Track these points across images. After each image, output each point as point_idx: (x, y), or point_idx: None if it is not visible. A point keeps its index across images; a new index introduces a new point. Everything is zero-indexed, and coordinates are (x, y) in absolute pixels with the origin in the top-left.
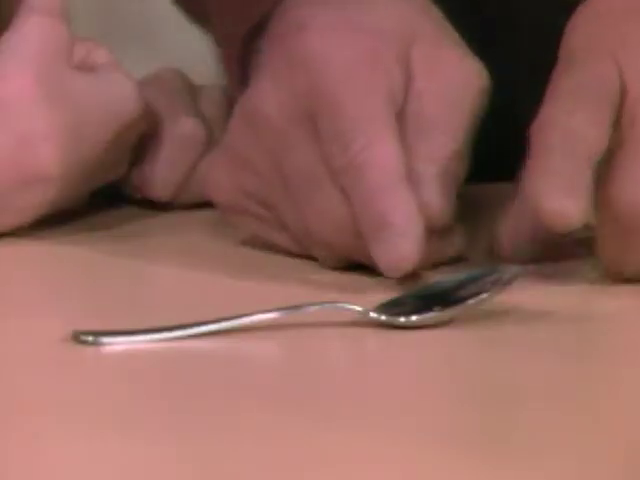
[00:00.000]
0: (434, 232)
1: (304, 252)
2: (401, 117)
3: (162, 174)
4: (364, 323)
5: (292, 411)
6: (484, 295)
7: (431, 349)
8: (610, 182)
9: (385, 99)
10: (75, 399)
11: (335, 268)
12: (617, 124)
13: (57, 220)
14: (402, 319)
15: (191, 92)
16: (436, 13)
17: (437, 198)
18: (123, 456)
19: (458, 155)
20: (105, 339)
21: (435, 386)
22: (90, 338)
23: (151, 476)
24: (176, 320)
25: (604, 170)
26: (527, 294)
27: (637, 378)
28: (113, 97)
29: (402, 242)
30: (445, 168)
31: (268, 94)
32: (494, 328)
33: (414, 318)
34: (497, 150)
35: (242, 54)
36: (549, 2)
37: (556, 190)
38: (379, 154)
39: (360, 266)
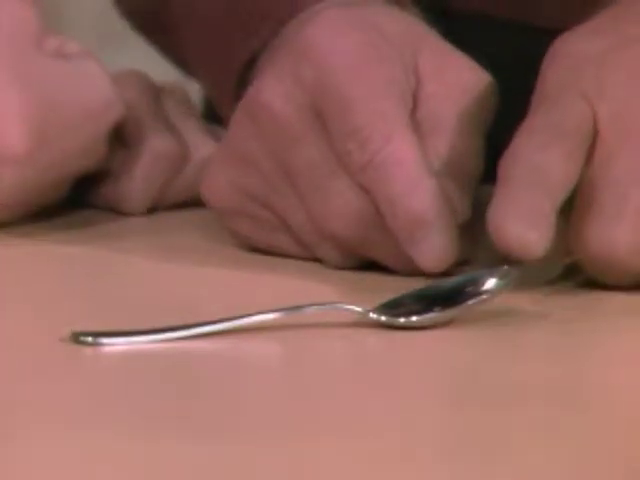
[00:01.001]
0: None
1: (305, 254)
2: (412, 121)
3: (135, 190)
4: (364, 324)
5: (292, 411)
6: (484, 296)
7: (431, 350)
8: (582, 223)
9: (396, 95)
10: (74, 400)
11: (341, 268)
12: (589, 163)
13: (55, 221)
14: (402, 320)
15: (156, 95)
16: (436, 33)
17: (458, 194)
18: (122, 457)
19: (473, 153)
20: (104, 340)
21: (435, 387)
22: (89, 339)
23: (151, 476)
24: (175, 321)
25: (576, 211)
26: (526, 294)
27: (636, 378)
28: (85, 83)
29: (439, 239)
30: (461, 166)
31: (272, 87)
32: (494, 328)
33: (414, 319)
34: (493, 151)
35: (236, 93)
36: (525, 33)
37: (517, 220)
38: (400, 150)
39: (360, 267)
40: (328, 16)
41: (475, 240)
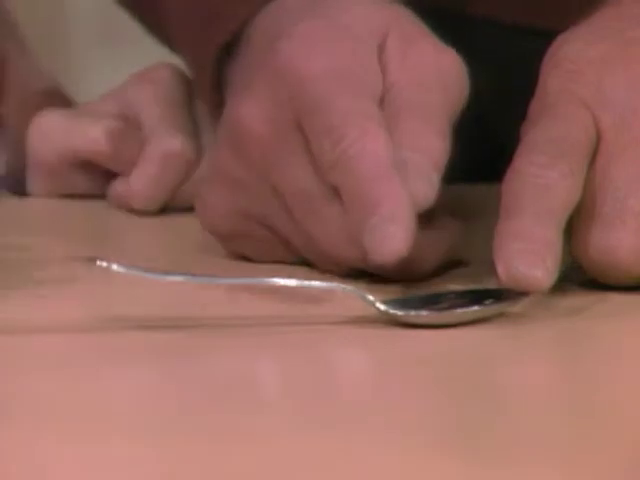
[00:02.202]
0: (426, 225)
1: (311, 263)
2: (380, 109)
3: (147, 190)
4: (367, 320)
5: (294, 410)
6: (495, 305)
7: (433, 348)
8: (583, 228)
9: (369, 95)
10: (73, 400)
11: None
12: (590, 168)
13: (54, 221)
14: (412, 313)
15: (186, 92)
16: (408, 13)
17: (420, 184)
18: (122, 457)
19: (436, 139)
20: (117, 267)
21: (436, 386)
22: (104, 264)
23: (151, 477)
24: (175, 320)
25: (577, 215)
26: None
27: (637, 378)
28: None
29: (392, 228)
30: (423, 152)
31: (251, 111)
32: (492, 328)
33: (413, 313)
34: (497, 151)
35: (214, 78)
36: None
37: (521, 256)
38: (370, 146)
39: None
40: (297, 30)
41: (458, 234)
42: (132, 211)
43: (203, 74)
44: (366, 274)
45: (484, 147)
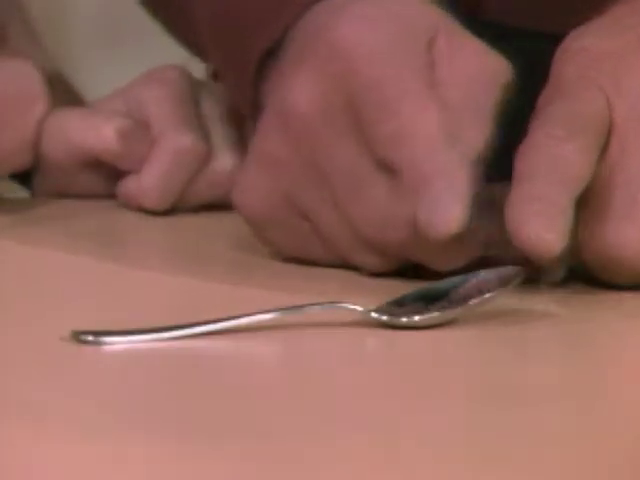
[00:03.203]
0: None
1: (338, 262)
2: None
3: (158, 187)
4: (365, 323)
5: (293, 412)
6: (486, 295)
7: (432, 350)
8: (592, 222)
9: (423, 74)
10: (75, 399)
11: (379, 273)
12: (602, 160)
13: (55, 222)
14: (404, 319)
15: (194, 93)
16: (452, 18)
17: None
18: (123, 456)
19: (479, 141)
20: (105, 339)
21: (436, 387)
22: (90, 338)
23: (151, 476)
24: (176, 321)
25: (586, 209)
26: (528, 294)
27: (637, 378)
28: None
29: (448, 200)
30: (471, 151)
31: (300, 89)
32: (495, 329)
33: (416, 318)
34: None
35: (254, 79)
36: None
37: (535, 218)
38: (425, 121)
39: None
40: (350, 12)
41: (481, 239)
42: (141, 210)
43: (243, 81)
44: (352, 280)
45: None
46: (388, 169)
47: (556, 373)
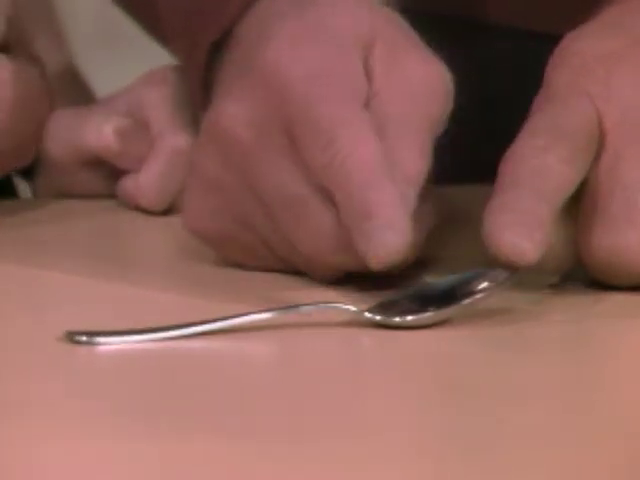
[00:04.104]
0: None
1: (293, 270)
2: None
3: (155, 186)
4: (359, 323)
5: (287, 411)
6: (479, 295)
7: (426, 349)
8: (589, 228)
9: (356, 99)
10: (69, 399)
11: (326, 282)
12: (596, 167)
13: (56, 222)
14: (397, 319)
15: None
16: (398, 18)
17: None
18: (118, 456)
19: (417, 156)
20: (99, 339)
21: (431, 386)
22: (84, 338)
23: (147, 476)
24: (171, 320)
25: (583, 215)
26: (523, 294)
27: (636, 378)
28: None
29: (388, 233)
30: (402, 169)
31: (234, 113)
32: (490, 328)
33: (409, 318)
34: (483, 150)
35: (203, 77)
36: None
37: (511, 227)
38: (362, 150)
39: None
40: (282, 31)
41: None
42: (140, 210)
43: (193, 72)
44: (345, 280)
45: (497, 152)
46: (327, 193)
47: (552, 373)
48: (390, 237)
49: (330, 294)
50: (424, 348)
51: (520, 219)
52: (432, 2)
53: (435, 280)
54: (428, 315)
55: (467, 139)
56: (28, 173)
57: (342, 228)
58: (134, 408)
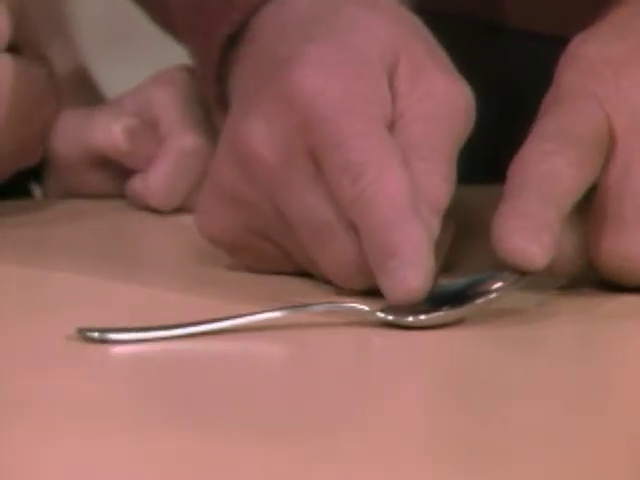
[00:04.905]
0: None
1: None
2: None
3: (165, 186)
4: (371, 323)
5: (299, 411)
6: (492, 295)
7: (439, 349)
8: (600, 233)
9: (382, 124)
10: (81, 398)
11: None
12: (605, 172)
13: (65, 222)
14: (410, 319)
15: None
16: (421, 30)
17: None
18: (130, 454)
19: (442, 183)
20: (111, 335)
21: (442, 386)
22: (96, 335)
23: (157, 476)
24: (181, 320)
25: (593, 221)
26: (534, 295)
27: (639, 379)
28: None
29: (410, 272)
30: (428, 199)
31: (259, 131)
32: (501, 329)
33: (422, 318)
34: (498, 152)
35: (217, 71)
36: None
37: (520, 231)
38: (390, 185)
39: None
40: (309, 53)
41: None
42: (149, 210)
43: (206, 66)
44: None
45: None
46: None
47: (562, 373)
48: (411, 275)
49: (342, 294)
50: (436, 348)
51: (529, 224)
52: (449, 3)
53: (448, 280)
54: (440, 315)
55: (481, 140)
56: (38, 174)
57: (365, 257)
58: (143, 406)
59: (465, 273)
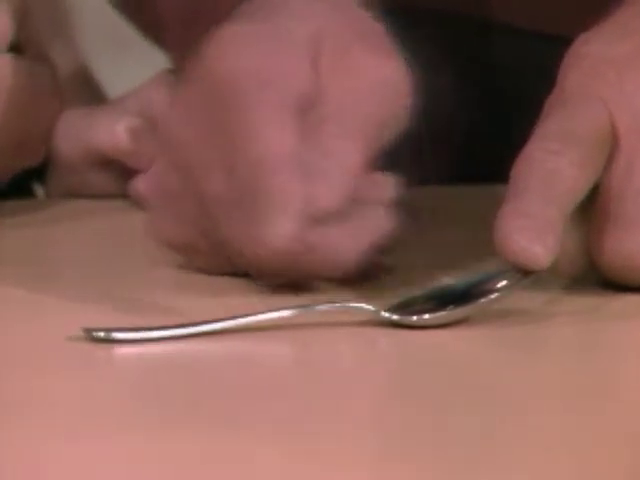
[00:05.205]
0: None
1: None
2: (312, 117)
3: None
4: (376, 323)
5: (304, 411)
6: (496, 295)
7: (443, 348)
8: (602, 233)
9: (290, 101)
10: (87, 397)
11: (390, 274)
12: (608, 172)
13: (68, 222)
14: (414, 318)
15: None
16: (362, 19)
17: (322, 187)
18: (135, 454)
19: (353, 148)
20: (117, 335)
21: (447, 386)
22: (101, 334)
23: (163, 474)
24: (186, 319)
25: (596, 220)
26: (539, 294)
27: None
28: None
29: (279, 218)
30: (335, 159)
31: (178, 116)
32: (505, 328)
33: (426, 317)
34: (498, 152)
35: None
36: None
37: (522, 231)
38: (275, 146)
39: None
40: (230, 32)
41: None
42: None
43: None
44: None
45: (510, 153)
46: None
47: (565, 372)
48: (280, 221)
49: (347, 293)
50: (441, 347)
51: (532, 224)
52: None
53: (452, 280)
54: (444, 314)
55: (479, 138)
56: (41, 174)
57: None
58: (149, 406)
59: (468, 273)
